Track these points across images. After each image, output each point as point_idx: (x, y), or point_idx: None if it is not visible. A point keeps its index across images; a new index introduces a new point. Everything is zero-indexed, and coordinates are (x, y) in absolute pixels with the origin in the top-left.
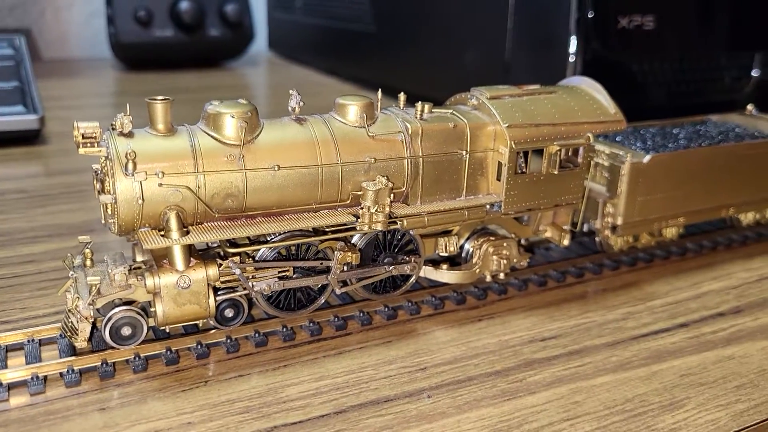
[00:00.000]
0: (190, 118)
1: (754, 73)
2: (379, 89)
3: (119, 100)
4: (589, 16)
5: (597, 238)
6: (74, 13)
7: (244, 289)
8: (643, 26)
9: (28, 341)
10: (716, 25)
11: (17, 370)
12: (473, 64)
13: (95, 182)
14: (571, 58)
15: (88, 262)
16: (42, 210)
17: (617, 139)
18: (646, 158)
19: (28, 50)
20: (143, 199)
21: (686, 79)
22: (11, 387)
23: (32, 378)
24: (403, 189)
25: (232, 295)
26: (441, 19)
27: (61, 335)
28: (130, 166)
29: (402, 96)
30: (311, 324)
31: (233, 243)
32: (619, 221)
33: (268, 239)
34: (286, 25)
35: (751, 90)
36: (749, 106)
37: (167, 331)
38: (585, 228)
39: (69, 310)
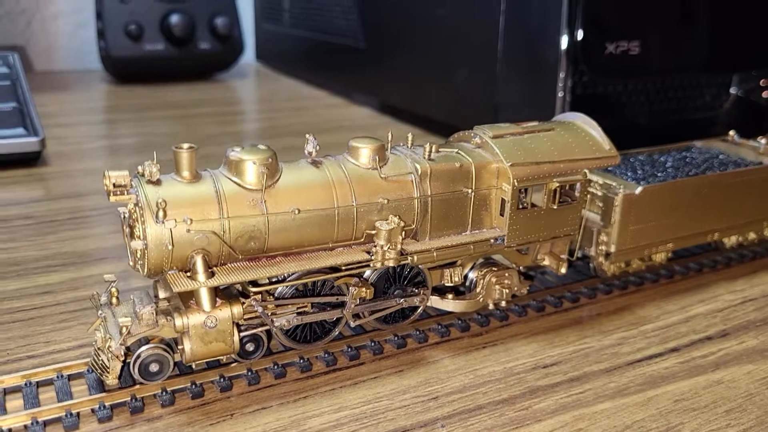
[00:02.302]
0: (187, 135)
1: (733, 90)
2: (390, 132)
3: (113, 116)
4: (578, 39)
5: (591, 264)
6: (61, 24)
7: (265, 324)
8: (629, 51)
9: (58, 377)
10: (698, 48)
11: (51, 407)
12: (463, 82)
13: (123, 227)
14: (560, 82)
15: (114, 300)
16: (51, 237)
17: (609, 168)
18: (638, 189)
19: (22, 68)
20: (172, 245)
21: (669, 98)
22: (47, 424)
23: (66, 415)
24: (413, 226)
25: (254, 330)
26: (432, 38)
27: (89, 370)
28: (161, 214)
29: (410, 136)
30: (326, 355)
31: (254, 282)
32: (613, 249)
33: (287, 276)
34: (274, 36)
35: (730, 106)
36: (731, 132)
37: (192, 366)
38: (579, 253)
39: (99, 348)
